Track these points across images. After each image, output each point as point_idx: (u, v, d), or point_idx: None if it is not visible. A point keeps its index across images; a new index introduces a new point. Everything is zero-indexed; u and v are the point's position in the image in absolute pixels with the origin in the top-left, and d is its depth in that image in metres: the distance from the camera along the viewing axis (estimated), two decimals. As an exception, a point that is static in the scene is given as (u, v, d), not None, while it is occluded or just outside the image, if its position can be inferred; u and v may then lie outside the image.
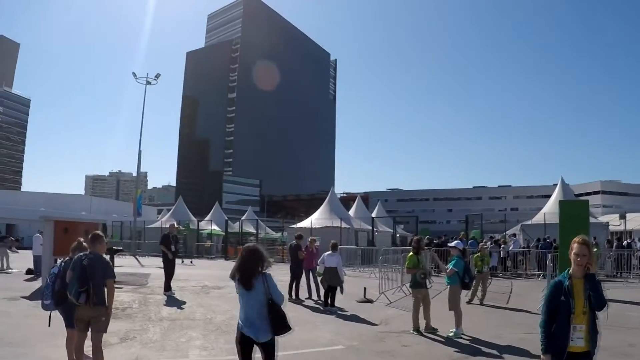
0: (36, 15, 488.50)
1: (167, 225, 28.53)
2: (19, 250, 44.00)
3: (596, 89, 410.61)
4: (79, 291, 9.49)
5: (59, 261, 10.93)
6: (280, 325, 7.87)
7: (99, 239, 10.19)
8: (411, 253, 16.35)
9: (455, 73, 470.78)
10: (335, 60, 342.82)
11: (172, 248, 24.41)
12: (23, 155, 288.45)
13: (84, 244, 10.44)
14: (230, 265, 25.76)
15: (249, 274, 8.01)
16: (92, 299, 9.53)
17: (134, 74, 69.36)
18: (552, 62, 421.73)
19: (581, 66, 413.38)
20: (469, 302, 21.97)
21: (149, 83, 69.94)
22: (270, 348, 7.98)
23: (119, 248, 32.46)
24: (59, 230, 24.00)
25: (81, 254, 9.95)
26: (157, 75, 70.65)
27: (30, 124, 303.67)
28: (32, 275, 30.39)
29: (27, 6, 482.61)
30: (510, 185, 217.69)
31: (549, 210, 48.57)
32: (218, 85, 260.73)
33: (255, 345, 7.95)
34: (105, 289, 9.80)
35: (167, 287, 23.84)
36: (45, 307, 10.32)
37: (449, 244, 19.17)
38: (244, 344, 7.94)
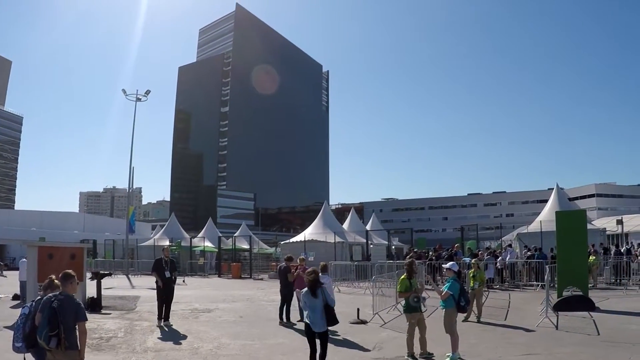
0: (28, 32, 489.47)
1: (160, 244, 27.72)
2: (6, 274, 43.45)
3: (589, 93, 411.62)
4: (49, 335, 8.91)
5: (29, 301, 10.40)
6: (332, 320, 12.36)
7: (69, 279, 9.57)
8: (403, 276, 15.75)
9: (448, 81, 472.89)
10: (328, 72, 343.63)
11: (166, 274, 21.97)
12: (16, 173, 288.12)
13: (56, 282, 9.85)
14: (223, 282, 25.05)
15: (314, 288, 12.43)
16: (63, 344, 8.97)
17: (124, 91, 69.00)
18: (544, 67, 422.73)
19: (573, 71, 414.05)
20: (465, 320, 21.36)
21: (139, 99, 69.53)
22: (324, 336, 12.44)
23: (105, 272, 31.60)
24: (43, 256, 23.46)
25: (51, 294, 9.36)
26: (147, 92, 70.23)
27: (23, 142, 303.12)
28: (18, 302, 29.68)
29: (18, 23, 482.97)
30: (505, 191, 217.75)
31: (545, 218, 48.18)
32: (210, 99, 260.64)
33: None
34: (77, 333, 9.22)
35: (160, 316, 21.73)
36: (16, 350, 9.68)
37: (443, 265, 18.55)
38: (310, 334, 12.49)
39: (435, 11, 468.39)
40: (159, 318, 21.59)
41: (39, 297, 9.69)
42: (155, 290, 22.26)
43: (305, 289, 12.62)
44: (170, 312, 21.94)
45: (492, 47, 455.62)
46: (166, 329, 20.08)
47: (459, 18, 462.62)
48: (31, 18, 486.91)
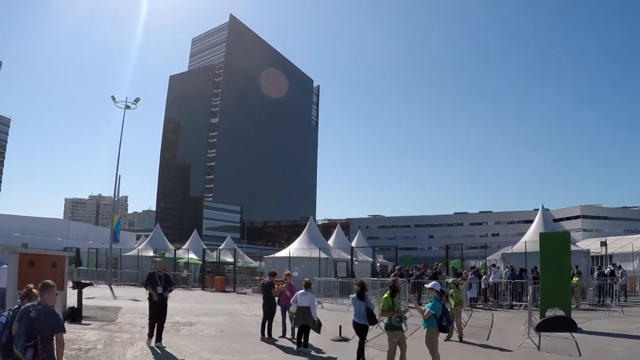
0: (19, 33, 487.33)
1: (144, 254, 27.03)
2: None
3: (576, 114, 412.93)
4: (25, 345, 8.87)
5: (6, 310, 10.27)
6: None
7: (48, 289, 9.49)
8: (386, 294, 15.71)
9: (437, 102, 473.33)
10: (318, 86, 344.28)
11: (158, 289, 20.00)
12: (1, 177, 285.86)
13: (34, 291, 9.74)
14: (206, 296, 24.91)
15: (363, 294, 16.47)
16: (40, 355, 8.94)
17: (113, 98, 68.80)
18: (533, 87, 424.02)
19: (562, 92, 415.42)
20: (447, 340, 21.28)
21: (128, 107, 69.24)
22: (366, 329, 16.64)
23: (87, 282, 31.33)
24: (24, 263, 23.16)
25: (29, 304, 9.26)
26: (137, 100, 70.02)
27: (10, 144, 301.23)
28: (-3, 310, 29.50)
29: (9, 23, 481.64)
30: (491, 211, 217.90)
31: (530, 238, 48.20)
32: (200, 110, 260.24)
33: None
34: (55, 344, 9.19)
35: (151, 334, 19.99)
36: (-8, 360, 9.58)
37: (425, 285, 18.52)
38: (357, 329, 16.45)
39: (426, 28, 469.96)
40: (150, 337, 20.06)
41: (17, 306, 9.58)
42: (148, 305, 20.38)
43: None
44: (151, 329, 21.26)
45: (481, 65, 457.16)
46: (158, 350, 19.49)
47: (449, 35, 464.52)
48: (26, 20, 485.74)
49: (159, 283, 20.14)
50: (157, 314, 20.04)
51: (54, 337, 9.20)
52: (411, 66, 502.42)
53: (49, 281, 9.71)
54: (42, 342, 8.97)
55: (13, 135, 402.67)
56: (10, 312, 9.58)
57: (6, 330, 9.36)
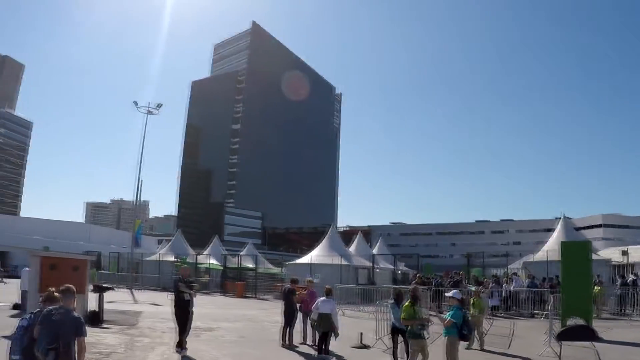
0: (43, 38, 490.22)
1: (165, 259, 26.73)
2: (7, 281, 43.23)
3: (598, 122, 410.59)
4: (47, 348, 8.84)
5: (27, 314, 10.29)
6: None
7: (70, 293, 9.51)
8: (407, 303, 15.67)
9: (458, 108, 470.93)
10: (340, 93, 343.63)
11: (185, 297, 19.20)
12: (22, 179, 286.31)
13: (56, 294, 9.75)
14: (226, 301, 24.77)
15: (400, 300, 17.35)
16: (61, 358, 8.93)
17: (135, 103, 69.02)
18: (554, 96, 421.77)
19: (582, 100, 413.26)
20: (468, 348, 21.20)
21: (150, 112, 69.48)
22: (404, 332, 16.47)
23: (108, 286, 31.38)
24: (45, 266, 23.25)
25: (51, 307, 9.27)
26: (159, 105, 70.20)
27: (33, 147, 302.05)
28: (19, 311, 29.45)
29: (33, 28, 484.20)
30: (512, 219, 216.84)
31: (551, 247, 47.96)
32: (222, 116, 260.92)
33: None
34: (76, 348, 9.19)
35: (180, 343, 19.20)
36: (13, 363, 9.60)
37: (446, 294, 18.39)
38: (394, 332, 17.50)
39: (448, 35, 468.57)
40: (179, 345, 19.27)
41: (39, 309, 9.60)
42: (173, 311, 19.44)
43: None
44: (171, 329, 21.01)
45: (503, 73, 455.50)
46: (180, 356, 19.25)
47: (471, 42, 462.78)
48: (49, 24, 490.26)
49: (185, 290, 19.31)
50: (184, 318, 19.23)
51: (76, 341, 9.19)
52: (432, 73, 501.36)
53: (71, 286, 9.74)
54: (64, 345, 8.95)
55: (36, 139, 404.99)
56: (32, 316, 9.59)
57: (28, 334, 9.38)
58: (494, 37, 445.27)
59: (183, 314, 19.19)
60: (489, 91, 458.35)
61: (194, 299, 19.48)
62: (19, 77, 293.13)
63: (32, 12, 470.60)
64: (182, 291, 19.06)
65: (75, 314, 9.55)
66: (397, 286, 29.83)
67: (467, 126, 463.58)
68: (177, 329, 19.35)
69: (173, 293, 19.84)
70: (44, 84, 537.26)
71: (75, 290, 9.85)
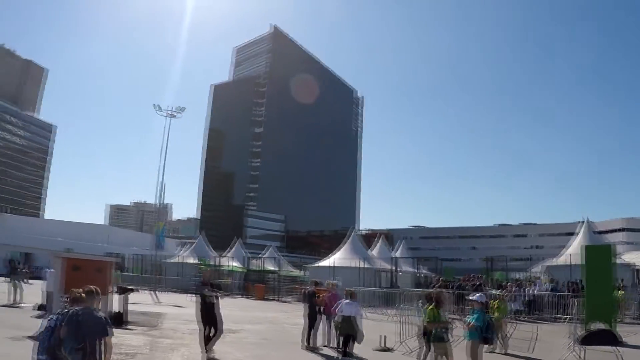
0: (66, 42, 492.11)
1: (187, 261, 26.57)
2: (32, 282, 43.48)
3: (619, 125, 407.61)
4: (73, 348, 8.91)
5: (53, 315, 10.37)
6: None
7: (95, 294, 9.63)
8: (431, 306, 15.67)
9: (482, 112, 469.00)
10: (362, 97, 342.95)
11: (209, 299, 18.93)
12: (43, 181, 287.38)
13: (81, 295, 9.83)
14: (248, 303, 24.57)
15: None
16: (88, 358, 9.02)
17: (158, 107, 69.41)
18: (576, 99, 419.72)
19: (604, 103, 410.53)
20: (491, 352, 21.17)
21: (173, 116, 69.89)
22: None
23: (131, 288, 31.56)
24: (68, 267, 23.38)
25: (77, 308, 9.33)
26: (180, 109, 70.64)
27: (57, 150, 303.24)
28: (42, 312, 29.62)
29: (56, 33, 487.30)
30: (533, 223, 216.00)
31: (574, 251, 47.84)
32: (243, 119, 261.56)
33: None
34: (103, 347, 9.28)
35: (205, 347, 18.73)
36: (39, 363, 9.68)
37: (469, 297, 18.32)
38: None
39: (473, 39, 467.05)
40: (202, 350, 18.79)
41: (65, 310, 9.67)
42: (198, 315, 18.97)
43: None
44: (193, 331, 20.96)
45: (522, 75, 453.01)
46: (189, 344, 19.23)
47: (493, 47, 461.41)
48: (71, 28, 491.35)
49: (209, 292, 18.99)
50: (208, 324, 18.91)
51: (102, 341, 9.27)
52: (452, 76, 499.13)
53: (95, 287, 9.83)
54: (90, 345, 9.04)
55: (60, 143, 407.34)
56: (59, 316, 9.66)
57: (54, 334, 9.46)
58: (517, 37, 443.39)
59: (208, 317, 18.93)
60: (510, 94, 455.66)
61: (219, 302, 19.24)
62: (41, 81, 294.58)
63: (54, 16, 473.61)
64: (205, 294, 18.81)
65: (100, 314, 9.67)
66: (432, 289, 29.70)
67: (488, 129, 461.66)
68: (204, 332, 19.05)
69: (196, 296, 19.56)
70: (68, 88, 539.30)
71: (99, 291, 9.94)
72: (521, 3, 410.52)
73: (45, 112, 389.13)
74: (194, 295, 20.54)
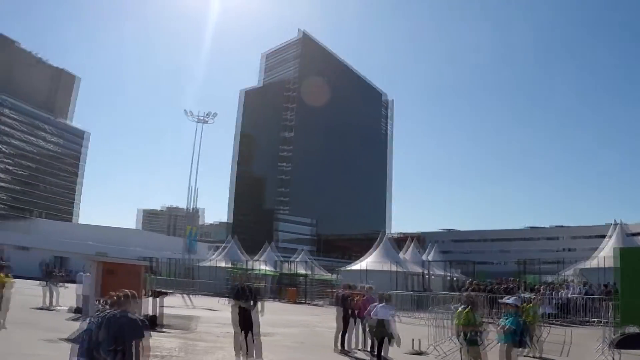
0: (97, 51, 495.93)
1: (219, 265, 26.64)
2: (65, 285, 43.88)
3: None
4: (110, 350, 9.14)
5: (90, 316, 10.51)
6: None
7: (132, 298, 9.87)
8: (466, 309, 15.66)
9: (513, 113, 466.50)
10: (393, 100, 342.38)
11: (244, 304, 18.67)
12: (76, 187, 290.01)
13: (118, 298, 9.98)
14: (280, 307, 24.56)
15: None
16: (124, 359, 9.18)
17: (190, 112, 70.01)
18: (605, 102, 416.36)
19: (635, 105, 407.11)
20: (525, 355, 21.11)
21: (205, 122, 70.47)
22: None
23: (165, 291, 31.81)
24: (104, 271, 23.61)
25: (115, 311, 9.51)
26: (210, 114, 71.22)
27: (90, 157, 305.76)
28: (75, 315, 29.91)
29: (87, 41, 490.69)
30: (565, 226, 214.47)
31: (607, 253, 47.57)
32: (273, 124, 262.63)
33: None
34: (138, 349, 9.43)
35: (237, 350, 18.74)
36: (76, 364, 9.82)
37: (502, 301, 18.20)
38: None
39: (499, 43, 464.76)
40: (236, 354, 18.83)
41: (103, 313, 9.81)
42: (231, 319, 18.97)
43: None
44: (227, 334, 20.91)
45: (549, 79, 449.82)
46: (222, 347, 19.26)
47: (520, 50, 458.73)
48: (101, 36, 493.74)
49: (248, 296, 18.89)
50: (245, 329, 18.61)
51: (138, 343, 9.42)
52: (481, 79, 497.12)
53: (132, 291, 9.99)
54: (127, 347, 9.21)
55: (94, 149, 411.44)
56: (96, 319, 9.80)
57: (91, 336, 9.59)
58: (546, 37, 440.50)
59: (244, 322, 18.69)
60: (538, 96, 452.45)
61: (257, 307, 19.03)
62: (73, 88, 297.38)
63: (83, 25, 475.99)
64: (239, 300, 18.70)
65: (136, 316, 9.85)
66: (466, 293, 29.72)
67: (517, 132, 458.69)
68: (240, 337, 18.81)
69: (231, 300, 19.53)
70: (101, 95, 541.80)
71: (135, 294, 10.14)
72: (549, 3, 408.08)
73: (79, 119, 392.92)
74: (228, 298, 20.56)
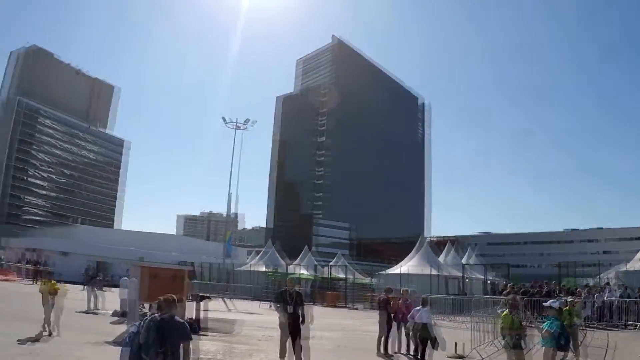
0: (135, 60, 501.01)
1: (257, 269, 26.90)
2: (111, 289, 44.51)
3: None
4: (156, 352, 9.54)
5: (133, 319, 10.91)
6: None
7: (172, 302, 10.24)
8: (506, 312, 15.77)
9: (549, 115, 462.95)
10: (429, 103, 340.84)
11: (288, 309, 18.78)
12: (116, 194, 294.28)
13: (163, 302, 10.38)
14: (318, 311, 24.63)
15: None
16: None
17: (224, 119, 70.69)
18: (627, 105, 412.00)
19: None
20: (564, 358, 21.22)
21: (238, 128, 71.13)
22: None
23: (206, 295, 32.28)
24: (147, 276, 24.07)
25: (158, 315, 9.96)
26: (249, 121, 71.82)
27: (131, 164, 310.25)
28: (118, 318, 30.46)
29: (125, 52, 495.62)
30: (602, 228, 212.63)
31: (646, 256, 47.38)
32: (309, 129, 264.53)
33: None
34: (187, 351, 9.89)
35: (283, 354, 18.92)
36: (123, 366, 10.23)
37: (544, 304, 18.34)
38: None
39: (537, 44, 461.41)
40: (281, 357, 18.92)
41: (152, 317, 10.19)
42: (278, 323, 19.19)
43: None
44: (268, 338, 21.29)
45: (592, 86, 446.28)
46: (263, 350, 19.48)
47: (559, 50, 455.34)
48: (138, 46, 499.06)
49: (290, 301, 18.93)
50: (291, 333, 18.74)
51: (186, 345, 9.85)
52: (518, 81, 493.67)
53: (174, 295, 10.36)
54: (172, 349, 9.61)
55: (136, 158, 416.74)
56: (142, 322, 10.18)
57: (137, 339, 9.99)
58: (591, 37, 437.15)
59: (292, 327, 18.79)
60: (577, 96, 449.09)
61: (304, 313, 18.99)
62: (111, 98, 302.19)
63: (121, 36, 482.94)
64: (282, 302, 18.87)
65: (181, 319, 10.21)
66: (507, 296, 29.79)
67: (553, 133, 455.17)
68: (286, 342, 18.94)
69: (276, 304, 19.50)
70: (140, 104, 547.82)
71: (178, 299, 10.49)
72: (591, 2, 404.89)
73: (120, 129, 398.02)
74: (272, 303, 20.79)
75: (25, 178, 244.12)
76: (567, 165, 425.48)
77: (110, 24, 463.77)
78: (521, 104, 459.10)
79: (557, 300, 17.88)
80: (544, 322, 16.34)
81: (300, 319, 18.74)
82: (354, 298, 62.37)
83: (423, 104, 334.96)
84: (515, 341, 15.14)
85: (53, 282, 23.46)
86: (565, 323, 21.60)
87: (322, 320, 37.26)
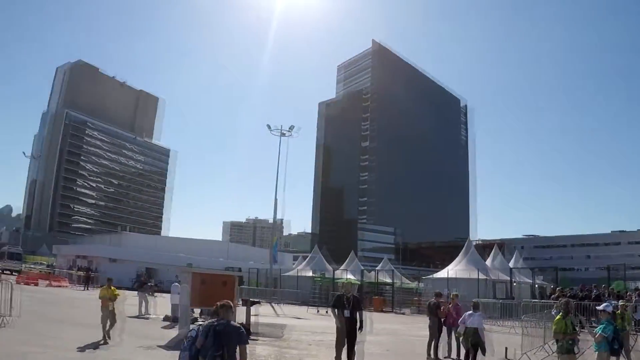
0: (179, 72, 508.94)
1: (303, 274, 26.87)
2: (162, 295, 44.95)
3: None
4: (213, 356, 9.79)
5: (193, 326, 11.07)
6: None
7: (228, 307, 10.47)
8: (559, 316, 15.69)
9: (595, 115, 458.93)
10: (472, 105, 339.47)
11: (345, 313, 18.56)
12: (163, 202, 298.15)
13: (220, 307, 10.54)
14: (367, 315, 24.46)
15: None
16: None
17: (269, 126, 71.28)
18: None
19: None
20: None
21: (283, 135, 71.63)
22: None
23: (255, 300, 32.48)
24: (196, 281, 24.31)
25: (214, 320, 10.24)
26: (292, 128, 72.19)
27: (178, 173, 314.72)
28: (169, 323, 30.75)
29: (169, 64, 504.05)
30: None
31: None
32: (351, 134, 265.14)
33: None
34: (243, 354, 10.15)
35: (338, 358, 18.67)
36: (181, 370, 10.43)
37: (598, 307, 18.19)
38: None
39: (581, 43, 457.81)
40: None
41: (209, 322, 10.37)
42: (335, 328, 18.96)
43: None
44: (319, 343, 21.40)
45: (625, 78, 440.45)
46: (313, 354, 19.62)
47: (596, 54, 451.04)
48: (181, 57, 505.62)
49: (347, 306, 18.68)
50: (347, 338, 18.65)
51: (242, 349, 10.12)
52: (555, 81, 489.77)
53: (228, 301, 10.69)
54: (229, 353, 9.85)
55: (182, 167, 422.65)
56: (199, 328, 10.36)
57: (195, 344, 10.17)
58: (629, 38, 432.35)
59: (348, 334, 18.71)
60: (618, 95, 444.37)
61: (362, 318, 18.90)
62: (156, 109, 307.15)
63: (163, 49, 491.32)
64: (339, 307, 18.71)
65: (237, 324, 10.51)
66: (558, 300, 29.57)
67: (599, 135, 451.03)
68: (342, 348, 18.80)
69: (334, 309, 19.24)
70: (186, 114, 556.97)
71: (233, 304, 10.81)
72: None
73: (166, 138, 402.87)
74: (330, 308, 20.78)
75: (74, 188, 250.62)
76: (613, 166, 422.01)
77: (151, 38, 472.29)
78: (563, 105, 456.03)
79: (610, 304, 17.59)
80: (596, 327, 16.18)
81: (358, 325, 18.62)
82: (400, 303, 62.31)
83: (465, 106, 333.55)
84: (568, 346, 15.05)
85: (113, 288, 23.72)
86: (622, 327, 21.50)
87: (369, 325, 37.39)
